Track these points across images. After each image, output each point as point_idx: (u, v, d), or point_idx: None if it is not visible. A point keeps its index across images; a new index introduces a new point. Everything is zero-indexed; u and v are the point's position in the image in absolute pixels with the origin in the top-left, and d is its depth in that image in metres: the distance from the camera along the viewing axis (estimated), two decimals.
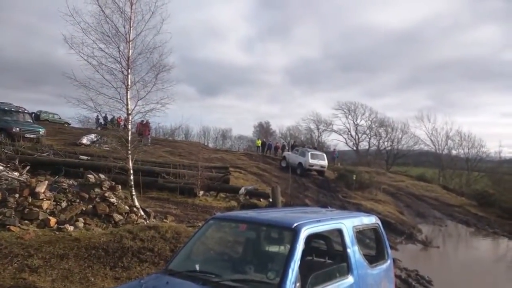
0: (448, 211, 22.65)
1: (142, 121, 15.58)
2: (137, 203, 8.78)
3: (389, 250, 4.48)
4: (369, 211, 13.51)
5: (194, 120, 75.79)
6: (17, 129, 16.79)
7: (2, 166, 8.98)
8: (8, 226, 6.42)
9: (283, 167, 25.89)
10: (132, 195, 8.86)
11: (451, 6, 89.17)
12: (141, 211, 8.53)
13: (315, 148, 35.05)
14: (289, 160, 26.34)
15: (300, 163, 24.70)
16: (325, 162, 25.61)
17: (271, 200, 13.16)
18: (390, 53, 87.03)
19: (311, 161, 24.49)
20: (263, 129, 58.06)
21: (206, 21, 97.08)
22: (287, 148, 35.14)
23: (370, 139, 51.18)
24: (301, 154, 25.53)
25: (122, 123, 19.68)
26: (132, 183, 8.99)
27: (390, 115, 73.05)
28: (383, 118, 50.44)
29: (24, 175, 8.82)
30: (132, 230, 6.93)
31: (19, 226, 6.53)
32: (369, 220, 4.35)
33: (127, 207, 8.13)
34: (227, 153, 31.53)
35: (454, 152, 46.04)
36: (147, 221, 8.15)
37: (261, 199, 14.40)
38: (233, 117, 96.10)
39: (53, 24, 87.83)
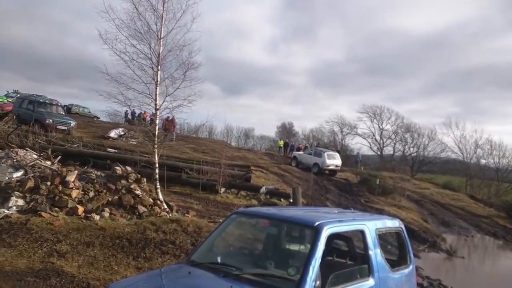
0: (474, 222, 21.84)
1: (168, 117, 15.90)
2: (161, 197, 8.98)
3: (412, 256, 4.38)
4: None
5: (218, 118, 76.17)
6: (50, 120, 17.51)
7: (36, 155, 9.39)
8: (39, 212, 6.74)
9: (303, 168, 25.84)
10: (156, 189, 9.06)
11: (480, 12, 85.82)
12: (164, 204, 8.71)
13: (338, 151, 34.80)
14: (301, 160, 26.48)
15: (316, 164, 24.87)
16: (339, 162, 25.94)
17: (291, 200, 13.13)
18: (416, 58, 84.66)
19: (328, 161, 24.81)
20: (286, 130, 57.88)
21: (231, 22, 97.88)
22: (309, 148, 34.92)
23: (395, 144, 50.04)
24: (316, 154, 25.70)
25: (148, 118, 20.16)
26: (157, 177, 9.19)
27: (416, 121, 71.00)
28: (409, 124, 49.24)
29: (56, 164, 9.20)
30: (155, 222, 7.11)
31: (49, 213, 6.83)
32: (393, 223, 4.28)
33: (151, 200, 8.34)
34: (249, 152, 31.66)
35: (483, 161, 44.29)
36: (170, 215, 8.32)
37: (282, 199, 14.38)
38: (255, 117, 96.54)
39: (85, 21, 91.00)
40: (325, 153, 25.59)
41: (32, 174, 7.99)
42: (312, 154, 26.13)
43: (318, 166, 24.71)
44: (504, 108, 77.49)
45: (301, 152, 28.55)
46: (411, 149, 48.44)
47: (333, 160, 25.38)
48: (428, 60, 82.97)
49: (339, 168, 25.92)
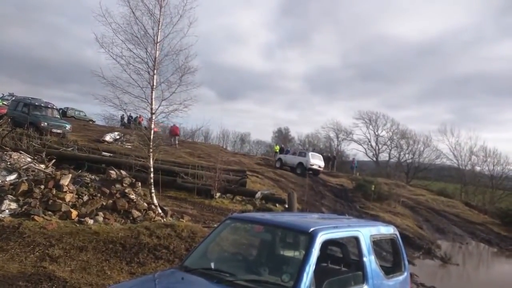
0: (469, 228, 21.92)
1: (174, 124, 16.25)
2: (155, 201, 8.93)
3: (407, 262, 4.38)
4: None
5: (214, 123, 75.98)
6: (45, 123, 17.40)
7: (30, 158, 9.33)
8: (32, 216, 6.68)
9: (298, 172, 26.16)
10: (151, 193, 9.02)
11: (473, 20, 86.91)
12: (159, 209, 8.67)
13: (334, 157, 35.88)
14: (286, 161, 27.52)
15: (301, 163, 25.89)
16: (322, 163, 27.40)
17: (287, 206, 13.12)
18: (410, 64, 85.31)
19: (312, 161, 25.83)
20: (282, 135, 57.98)
21: (227, 27, 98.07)
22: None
23: (390, 150, 50.24)
24: (301, 154, 27.11)
25: (143, 122, 20.10)
26: (152, 181, 9.15)
27: (411, 127, 71.34)
28: (404, 130, 49.48)
29: (50, 168, 9.13)
30: (149, 227, 7.06)
31: (42, 217, 6.77)
32: (387, 230, 4.28)
33: (145, 204, 8.30)
34: (245, 157, 31.65)
35: (478, 168, 44.50)
36: (164, 219, 8.27)
37: (277, 204, 14.35)
38: (251, 122, 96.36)
39: (82, 26, 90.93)
40: (309, 153, 27.02)
41: (26, 178, 7.93)
42: (297, 154, 27.36)
43: (302, 165, 25.68)
44: (498, 116, 78.29)
45: (286, 155, 29.37)
46: (407, 155, 48.66)
47: (317, 161, 26.59)
48: (422, 67, 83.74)
49: (321, 169, 27.17)
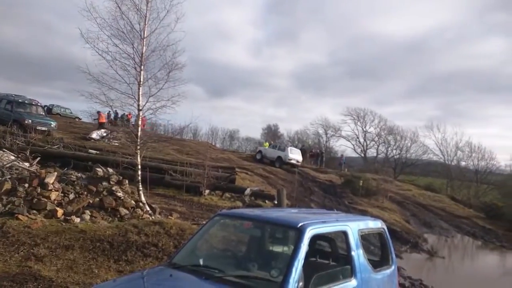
0: (455, 222, 22.37)
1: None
2: (143, 199, 8.85)
3: (394, 256, 4.43)
4: None
5: (203, 120, 75.48)
6: (30, 121, 17.05)
7: (14, 156, 9.14)
8: (16, 215, 6.54)
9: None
10: (138, 191, 8.93)
11: (457, 18, 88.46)
12: (147, 206, 8.60)
13: (322, 153, 36.56)
14: (266, 154, 28.35)
15: (279, 157, 26.73)
16: (300, 158, 28.26)
17: (276, 202, 13.13)
18: (397, 62, 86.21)
19: (290, 155, 26.62)
20: (271, 132, 58.02)
21: (215, 24, 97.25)
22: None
23: (378, 146, 50.73)
24: (280, 149, 27.97)
25: (132, 119, 19.83)
26: (140, 178, 9.06)
27: (398, 123, 72.21)
28: (392, 126, 49.98)
29: (34, 166, 8.96)
30: (137, 224, 6.99)
31: (27, 215, 6.63)
32: (375, 224, 4.32)
33: (133, 202, 8.21)
34: (234, 154, 31.61)
35: (463, 163, 45.40)
36: (153, 217, 8.20)
37: (266, 201, 14.39)
38: (240, 119, 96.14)
39: (68, 22, 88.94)
40: (288, 148, 27.99)
41: (9, 176, 7.75)
42: (277, 148, 28.14)
43: (281, 159, 26.50)
44: (481, 111, 79.73)
45: (266, 148, 29.77)
46: (394, 151, 49.20)
47: (295, 155, 27.36)
48: (409, 64, 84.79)
49: (299, 163, 27.88)
